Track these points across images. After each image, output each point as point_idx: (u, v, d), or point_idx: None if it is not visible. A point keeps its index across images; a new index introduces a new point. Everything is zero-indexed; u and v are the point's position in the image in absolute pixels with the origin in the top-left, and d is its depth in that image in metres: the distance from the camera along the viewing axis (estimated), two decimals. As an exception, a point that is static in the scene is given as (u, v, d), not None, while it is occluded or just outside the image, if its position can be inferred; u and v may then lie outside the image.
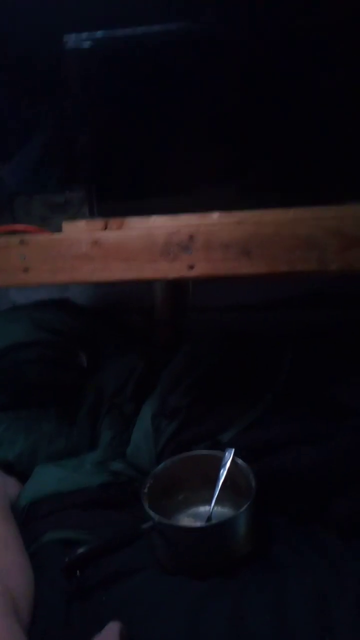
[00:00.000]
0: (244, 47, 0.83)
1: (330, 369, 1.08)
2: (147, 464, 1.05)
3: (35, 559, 0.87)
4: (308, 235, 0.75)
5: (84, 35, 0.81)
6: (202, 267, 0.78)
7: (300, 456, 0.93)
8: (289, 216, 0.76)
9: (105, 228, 0.82)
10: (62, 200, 1.12)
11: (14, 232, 0.88)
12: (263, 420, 1.04)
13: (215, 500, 0.90)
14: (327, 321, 1.28)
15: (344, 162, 0.87)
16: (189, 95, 0.86)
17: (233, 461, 0.92)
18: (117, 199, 0.92)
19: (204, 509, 0.97)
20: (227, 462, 0.91)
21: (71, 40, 0.81)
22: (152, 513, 0.85)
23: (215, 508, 0.90)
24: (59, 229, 0.85)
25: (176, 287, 1.39)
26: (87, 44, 0.82)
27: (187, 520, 0.96)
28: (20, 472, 1.09)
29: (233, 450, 0.93)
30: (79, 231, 0.83)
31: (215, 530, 0.84)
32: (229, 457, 0.92)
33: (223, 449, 0.94)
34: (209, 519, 0.90)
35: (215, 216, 0.78)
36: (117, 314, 1.42)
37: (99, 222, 0.82)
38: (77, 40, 0.81)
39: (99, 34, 0.82)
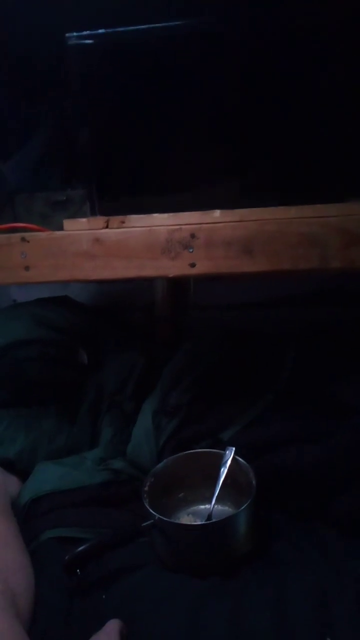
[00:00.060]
0: (244, 46, 0.83)
1: (331, 367, 1.08)
2: (148, 461, 1.05)
3: (35, 556, 0.87)
4: (310, 233, 0.75)
5: (85, 33, 0.81)
6: (203, 265, 0.78)
7: (302, 454, 0.93)
8: (291, 214, 0.76)
9: (107, 226, 0.82)
10: (63, 198, 1.12)
11: (15, 230, 0.88)
12: (264, 418, 1.04)
13: (216, 499, 0.90)
14: (328, 319, 1.28)
15: (344, 161, 0.87)
16: (190, 93, 0.86)
17: (234, 459, 0.92)
18: (118, 196, 0.92)
19: (204, 507, 0.97)
20: (227, 460, 0.91)
21: (72, 38, 0.81)
22: (152, 511, 0.84)
23: (216, 506, 0.90)
24: (60, 227, 0.85)
25: (177, 284, 1.39)
26: (88, 42, 0.82)
27: (187, 518, 0.96)
28: (21, 470, 1.09)
29: (234, 449, 0.93)
30: (80, 229, 0.83)
31: (216, 528, 0.84)
32: (230, 455, 0.92)
33: (224, 447, 0.94)
34: (209, 517, 0.90)
35: (216, 214, 0.78)
36: (118, 311, 1.42)
37: (100, 220, 0.82)
38: (79, 38, 0.81)
39: (100, 32, 0.82)
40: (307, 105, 0.84)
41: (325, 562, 0.82)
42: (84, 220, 0.84)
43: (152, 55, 0.83)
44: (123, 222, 0.82)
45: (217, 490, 0.90)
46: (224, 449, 0.94)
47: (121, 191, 0.93)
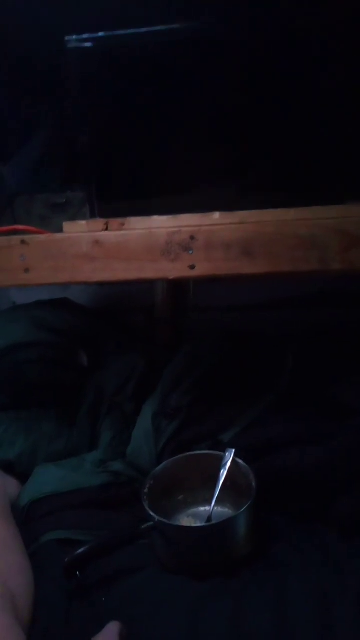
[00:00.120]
0: (244, 47, 0.83)
1: (332, 369, 1.08)
2: (148, 463, 1.05)
3: (35, 558, 0.87)
4: (310, 235, 0.75)
5: (85, 35, 0.81)
6: (203, 267, 0.78)
7: (303, 456, 0.93)
8: (291, 216, 0.76)
9: (106, 228, 0.82)
10: (63, 201, 1.12)
11: (15, 232, 0.88)
12: (264, 420, 1.04)
13: (216, 500, 0.90)
14: (329, 320, 1.28)
15: (345, 162, 0.87)
16: (189, 95, 0.86)
17: (233, 461, 0.92)
18: (118, 199, 0.92)
19: (204, 509, 0.97)
20: (227, 462, 0.91)
21: (72, 41, 0.81)
22: (152, 513, 0.84)
23: (216, 508, 0.90)
24: (59, 229, 0.85)
25: (177, 286, 1.39)
26: (87, 45, 0.82)
27: (187, 520, 0.96)
28: (21, 472, 1.09)
29: (233, 451, 0.93)
30: (80, 231, 0.83)
31: (216, 530, 0.84)
32: (230, 457, 0.92)
33: (224, 448, 0.94)
34: (209, 519, 0.90)
35: (216, 216, 0.78)
36: (118, 313, 1.42)
37: (99, 222, 0.82)
38: (78, 40, 0.81)
39: (100, 35, 0.82)
40: (307, 106, 0.84)
41: (326, 563, 0.82)
42: (83, 222, 0.84)
43: (151, 58, 0.83)
44: (123, 225, 0.82)
45: (217, 492, 0.90)
46: (224, 451, 0.94)
47: (121, 193, 0.93)
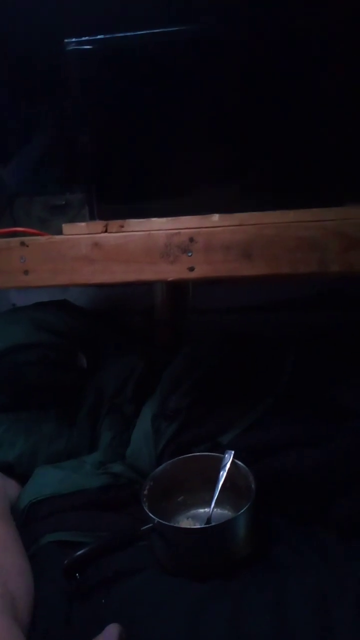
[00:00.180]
0: (243, 48, 0.83)
1: (331, 371, 1.08)
2: (147, 465, 1.05)
3: (35, 560, 0.87)
4: (309, 237, 0.75)
5: (85, 38, 0.81)
6: (202, 269, 0.78)
7: (302, 458, 0.93)
8: (290, 218, 0.76)
9: (106, 230, 0.82)
10: (62, 202, 1.12)
11: (14, 234, 0.88)
12: (263, 422, 1.04)
13: (215, 502, 0.90)
14: (328, 322, 1.28)
15: (344, 163, 0.87)
16: (189, 96, 0.86)
17: (233, 463, 0.92)
18: (117, 200, 0.92)
19: (203, 510, 0.97)
20: (227, 463, 0.91)
21: (71, 43, 0.81)
22: (152, 515, 0.84)
23: (215, 510, 0.90)
24: (59, 231, 0.85)
25: (176, 288, 1.39)
26: (87, 48, 0.82)
27: (186, 522, 0.96)
28: (20, 473, 1.09)
29: (233, 452, 0.93)
30: (80, 233, 0.83)
31: (215, 532, 0.84)
32: (229, 458, 0.92)
33: (223, 450, 0.94)
34: (208, 520, 0.90)
35: (215, 218, 0.78)
36: (117, 315, 1.42)
37: (99, 224, 0.82)
38: (78, 43, 0.82)
39: (99, 37, 0.82)
40: (307, 107, 0.84)
41: (325, 565, 0.82)
42: (83, 224, 0.84)
43: (151, 60, 0.84)
44: (122, 227, 0.82)
45: (217, 494, 0.90)
46: (224, 453, 0.94)
47: (120, 195, 0.93)
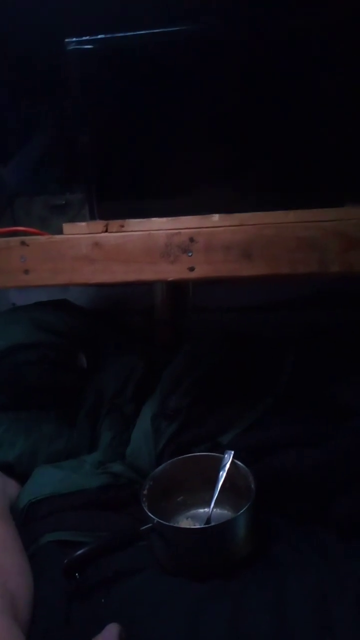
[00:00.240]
0: (243, 48, 0.83)
1: (331, 370, 1.08)
2: (147, 465, 1.05)
3: (34, 560, 0.87)
4: (308, 237, 0.75)
5: (85, 38, 0.81)
6: (202, 269, 0.79)
7: (302, 457, 0.93)
8: (290, 218, 0.76)
9: (106, 230, 0.82)
10: (63, 202, 1.12)
11: (15, 234, 0.88)
12: (263, 422, 1.04)
13: (215, 502, 0.90)
14: (328, 322, 1.28)
15: (344, 164, 0.87)
16: (189, 96, 0.86)
17: (233, 463, 0.92)
18: (117, 200, 0.92)
19: (203, 510, 0.97)
20: (226, 463, 0.91)
21: (72, 43, 0.81)
22: (151, 515, 0.85)
23: (215, 510, 0.90)
24: (59, 231, 0.85)
25: (176, 288, 1.39)
26: (87, 47, 0.82)
27: (186, 522, 0.96)
28: (20, 473, 1.09)
29: (232, 452, 0.93)
30: (80, 233, 0.83)
31: (215, 532, 0.84)
32: (229, 459, 0.92)
33: (223, 450, 0.95)
34: (208, 520, 0.90)
35: (215, 218, 0.78)
36: (117, 314, 1.42)
37: (99, 224, 0.82)
38: (78, 43, 0.81)
39: (100, 37, 0.82)
40: (307, 107, 0.84)
41: (325, 564, 0.82)
42: (83, 224, 0.84)
43: (151, 59, 0.84)
44: (122, 226, 0.82)
45: (216, 494, 0.90)
46: (223, 453, 0.94)
47: (120, 195, 0.93)
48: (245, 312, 1.38)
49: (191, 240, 0.78)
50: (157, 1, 0.89)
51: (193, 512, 0.98)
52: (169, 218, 0.81)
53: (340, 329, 1.23)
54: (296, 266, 0.76)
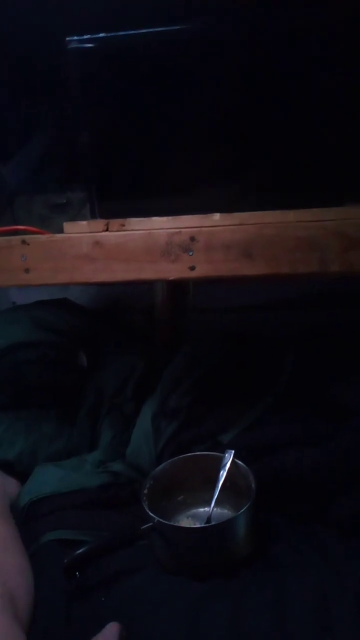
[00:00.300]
0: (244, 48, 0.83)
1: (331, 370, 1.08)
2: (147, 464, 1.05)
3: (34, 559, 0.87)
4: (309, 236, 0.75)
5: (86, 37, 0.81)
6: (203, 268, 0.79)
7: (302, 457, 0.93)
8: (290, 218, 0.76)
9: (107, 229, 0.82)
10: (63, 201, 1.12)
11: (15, 233, 0.88)
12: (263, 421, 1.04)
13: (215, 502, 0.90)
14: (328, 321, 1.28)
15: (344, 164, 0.87)
16: (189, 96, 0.86)
17: (233, 462, 0.92)
18: (118, 199, 0.92)
19: (203, 510, 0.97)
20: (227, 463, 0.91)
21: (73, 41, 0.81)
22: (151, 514, 0.85)
23: (215, 509, 0.90)
24: (59, 230, 0.85)
25: (177, 287, 1.39)
26: (88, 46, 0.82)
27: (186, 521, 0.96)
28: (20, 472, 1.09)
29: (233, 452, 0.93)
30: (80, 232, 0.83)
31: (215, 531, 0.84)
32: (229, 458, 0.92)
33: (223, 449, 0.94)
34: (208, 520, 0.90)
35: (216, 217, 0.78)
36: (117, 314, 1.43)
37: (100, 223, 0.82)
38: (79, 42, 0.81)
39: (100, 35, 0.82)
40: (307, 107, 0.84)
41: (325, 564, 0.82)
42: (84, 223, 0.84)
43: (151, 59, 0.83)
44: (123, 225, 0.82)
45: (217, 493, 0.90)
46: (224, 452, 0.94)
47: (121, 194, 0.93)
48: (246, 311, 1.38)
49: (192, 239, 0.78)
50: (158, 0, 0.89)
51: (193, 511, 0.98)
52: (170, 217, 0.81)
53: (340, 329, 1.23)
54: (296, 266, 0.76)
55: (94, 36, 0.81)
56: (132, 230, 0.81)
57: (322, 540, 0.88)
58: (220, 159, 0.90)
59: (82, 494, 0.99)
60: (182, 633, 0.71)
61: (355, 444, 0.92)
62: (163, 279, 0.81)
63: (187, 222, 0.79)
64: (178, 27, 0.81)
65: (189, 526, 0.93)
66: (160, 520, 0.84)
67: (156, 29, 0.81)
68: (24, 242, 0.84)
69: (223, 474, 0.91)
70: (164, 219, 0.81)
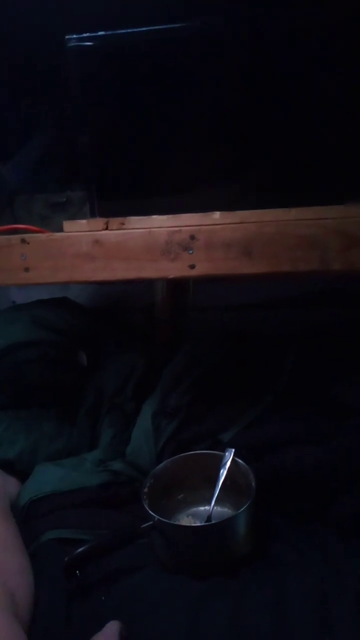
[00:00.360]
0: (244, 47, 0.83)
1: (332, 369, 1.08)
2: (147, 463, 1.05)
3: (35, 558, 0.87)
4: (309, 235, 0.75)
5: (85, 35, 0.81)
6: (203, 267, 0.78)
7: (302, 456, 0.93)
8: (291, 216, 0.76)
9: (106, 227, 0.82)
10: (63, 200, 1.12)
11: (15, 231, 0.88)
12: (263, 420, 1.04)
13: (215, 500, 0.90)
14: (328, 320, 1.28)
15: (345, 162, 0.87)
16: (189, 95, 0.86)
17: (233, 461, 0.92)
18: (118, 198, 0.92)
19: (204, 508, 0.97)
20: (227, 461, 0.91)
21: (72, 40, 0.81)
22: (152, 512, 0.85)
23: (215, 508, 0.90)
24: (59, 228, 0.85)
25: (177, 286, 1.39)
26: (88, 44, 0.82)
27: (187, 519, 0.96)
28: (21, 471, 1.09)
29: (233, 450, 0.93)
30: (80, 230, 0.83)
31: (215, 530, 0.84)
32: (229, 456, 0.92)
33: (223, 448, 0.94)
34: (209, 518, 0.90)
35: (216, 216, 0.78)
36: (117, 312, 1.42)
37: (99, 222, 0.82)
38: (78, 40, 0.81)
39: (100, 34, 0.82)
40: (307, 106, 0.84)
41: (326, 563, 0.82)
42: (83, 221, 0.84)
43: (151, 57, 0.83)
44: (123, 224, 0.82)
45: (217, 492, 0.90)
46: (224, 451, 0.94)
47: (121, 193, 0.93)
48: (246, 310, 1.38)
49: (192, 237, 0.78)
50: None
51: (194, 509, 0.98)
52: (170, 215, 0.80)
53: (341, 328, 1.22)
54: (297, 264, 0.76)
55: (94, 34, 0.81)
56: (132, 228, 0.81)
57: (322, 539, 0.88)
58: (220, 159, 0.90)
59: (82, 493, 0.99)
60: (182, 632, 0.71)
61: (356, 443, 0.92)
62: (163, 277, 0.80)
63: (187, 221, 0.79)
64: (178, 26, 0.81)
65: (189, 525, 0.93)
66: (161, 518, 0.84)
67: (156, 27, 0.81)
68: (23, 241, 0.84)
69: (223, 473, 0.91)
70: (164, 217, 0.81)
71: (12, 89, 1.14)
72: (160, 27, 0.81)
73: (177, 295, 1.40)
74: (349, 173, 0.87)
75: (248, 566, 0.83)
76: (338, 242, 0.74)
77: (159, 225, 0.80)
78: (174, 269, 0.79)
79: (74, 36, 0.81)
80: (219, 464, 0.92)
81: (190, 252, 0.78)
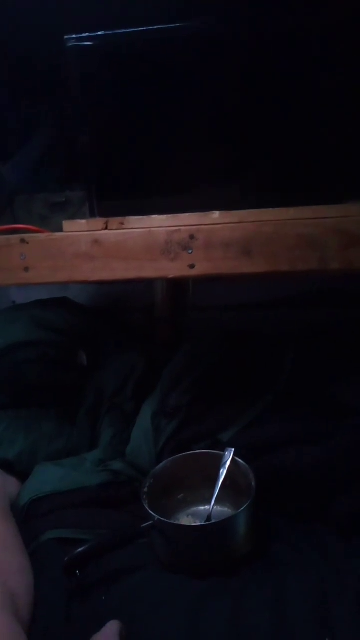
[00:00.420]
0: (244, 47, 0.83)
1: (331, 368, 1.08)
2: (147, 463, 1.05)
3: (35, 557, 0.87)
4: (308, 234, 0.75)
5: (85, 35, 0.81)
6: (202, 266, 0.78)
7: (301, 455, 0.93)
8: (290, 215, 0.76)
9: (106, 227, 0.82)
10: (63, 200, 1.12)
11: (15, 231, 0.88)
12: (263, 419, 1.04)
13: (215, 500, 0.90)
14: (328, 320, 1.28)
15: (344, 162, 0.87)
16: (189, 95, 0.86)
17: (233, 460, 0.92)
18: (117, 198, 0.92)
19: (203, 508, 0.97)
20: (227, 461, 0.91)
21: (72, 40, 0.81)
22: (152, 512, 0.85)
23: (215, 507, 0.90)
24: (59, 228, 0.85)
25: (176, 285, 1.39)
26: (87, 44, 0.82)
27: (187, 519, 0.96)
28: (20, 471, 1.09)
29: (233, 450, 0.93)
30: (80, 230, 0.83)
31: (215, 529, 0.84)
32: (229, 456, 0.92)
33: (223, 448, 0.94)
34: (208, 518, 0.90)
35: (216, 215, 0.78)
36: (117, 312, 1.43)
37: (99, 221, 0.82)
38: (78, 40, 0.81)
39: (100, 34, 0.82)
40: (307, 106, 0.84)
41: (325, 563, 0.82)
42: (83, 221, 0.84)
43: (151, 57, 0.83)
44: (122, 224, 0.82)
45: (217, 492, 0.90)
46: (224, 450, 0.94)
47: (121, 193, 0.93)
48: (245, 309, 1.38)
49: (191, 237, 0.78)
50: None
51: (193, 509, 0.98)
52: (169, 215, 0.80)
53: (340, 327, 1.23)
54: (296, 263, 0.76)
55: (93, 34, 0.81)
56: (132, 228, 0.81)
57: (322, 538, 0.88)
58: (220, 159, 0.90)
59: (82, 493, 0.99)
60: (182, 631, 0.71)
61: (356, 442, 0.92)
62: (163, 277, 0.80)
63: (187, 220, 0.79)
64: (178, 26, 0.81)
65: (189, 524, 0.93)
66: (161, 518, 0.84)
67: (156, 27, 0.81)
68: (23, 240, 0.84)
69: (223, 472, 0.91)
70: (164, 217, 0.81)
71: (12, 89, 1.14)
72: (159, 27, 0.81)
73: (176, 295, 1.40)
74: (348, 172, 0.87)
75: (248, 566, 0.83)
76: (337, 242, 0.74)
77: (159, 225, 0.80)
78: (173, 269, 0.79)
79: (74, 36, 0.81)
80: (219, 463, 0.92)
81: (190, 251, 0.78)
